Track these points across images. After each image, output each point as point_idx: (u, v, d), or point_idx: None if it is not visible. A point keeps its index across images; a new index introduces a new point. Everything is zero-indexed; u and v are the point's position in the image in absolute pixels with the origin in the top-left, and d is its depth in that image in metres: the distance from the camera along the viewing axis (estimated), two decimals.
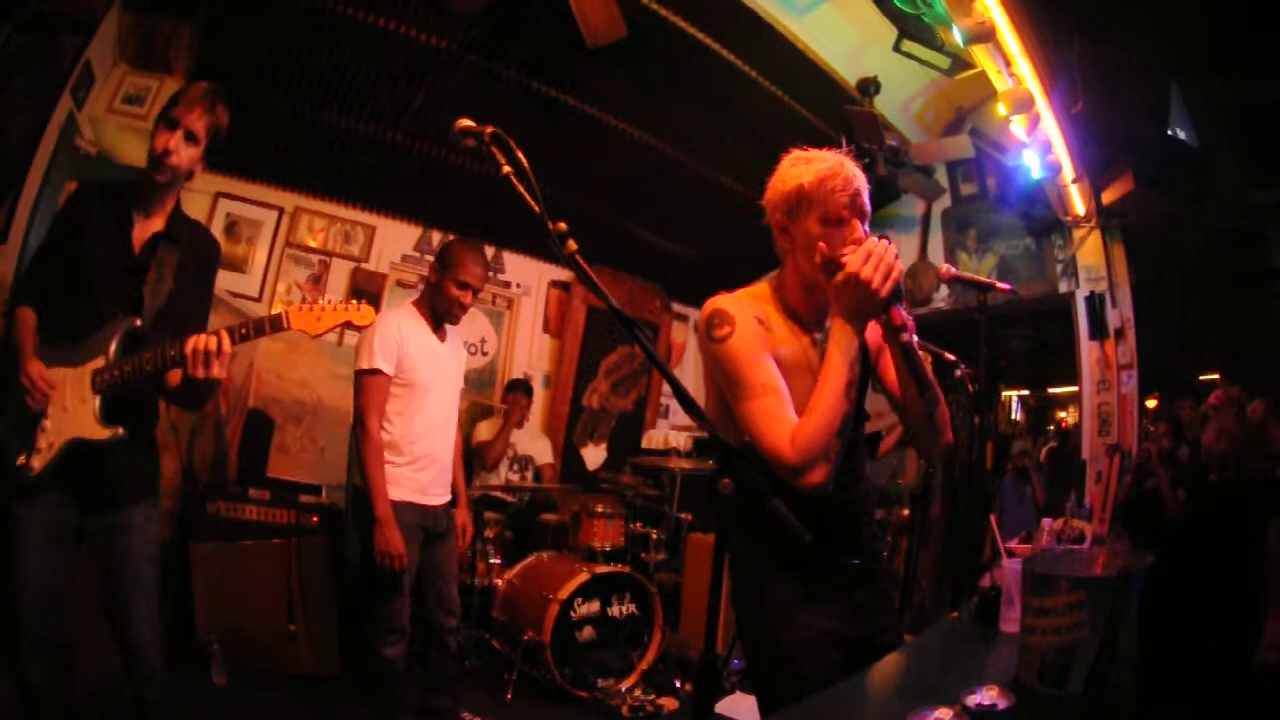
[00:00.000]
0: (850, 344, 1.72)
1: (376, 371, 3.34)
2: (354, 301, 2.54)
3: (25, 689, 2.32)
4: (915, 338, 1.87)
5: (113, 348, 2.35)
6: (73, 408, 2.34)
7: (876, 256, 1.67)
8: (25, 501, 2.33)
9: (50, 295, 2.43)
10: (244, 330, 2.35)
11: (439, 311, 3.55)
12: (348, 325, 2.51)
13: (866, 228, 1.84)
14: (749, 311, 1.85)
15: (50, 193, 3.62)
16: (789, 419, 1.72)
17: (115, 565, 2.42)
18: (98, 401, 2.34)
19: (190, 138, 2.40)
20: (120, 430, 2.36)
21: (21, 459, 2.31)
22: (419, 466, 3.44)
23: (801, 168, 1.86)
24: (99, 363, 2.34)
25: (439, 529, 3.52)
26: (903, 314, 1.76)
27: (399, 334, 3.40)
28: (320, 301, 2.50)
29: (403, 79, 4.83)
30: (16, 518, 2.32)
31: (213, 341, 2.27)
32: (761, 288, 1.97)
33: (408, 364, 3.40)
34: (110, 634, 2.45)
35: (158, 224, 2.48)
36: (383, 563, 3.24)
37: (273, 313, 2.42)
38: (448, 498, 3.62)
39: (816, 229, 1.82)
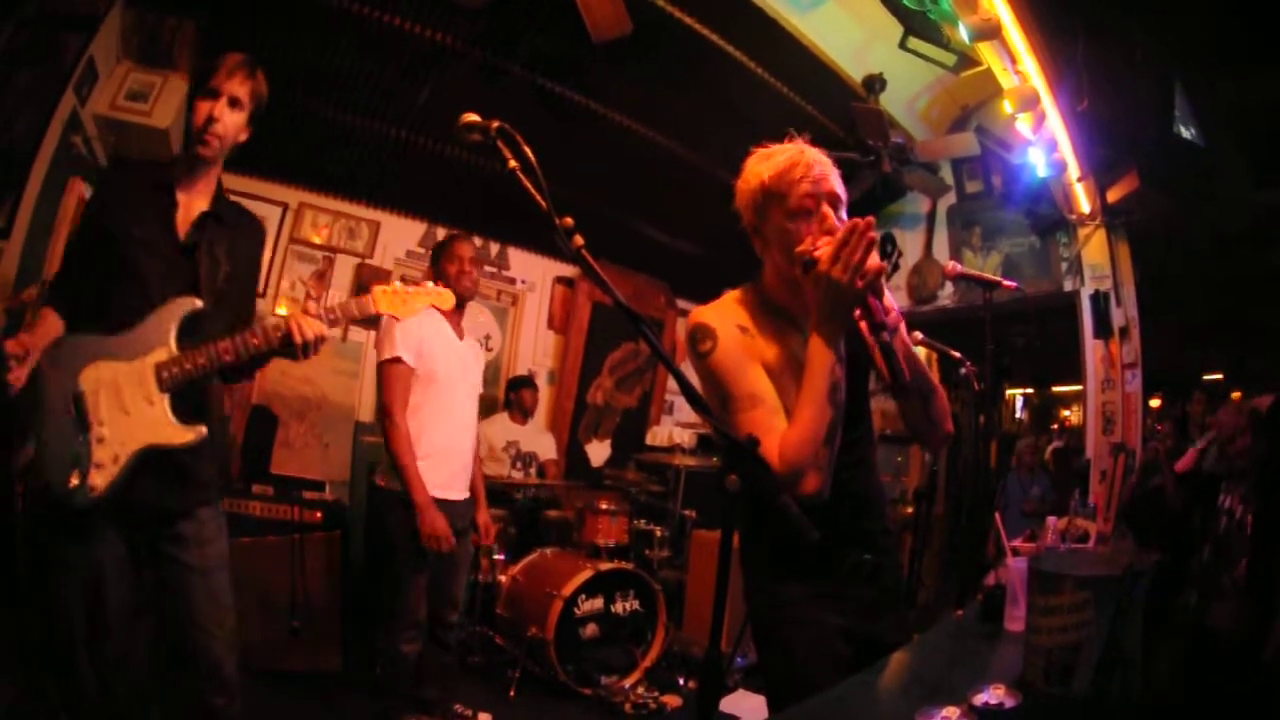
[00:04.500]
0: (827, 348, 1.64)
1: (398, 360, 3.36)
2: (437, 283, 2.59)
3: None
4: (915, 334, 1.84)
5: (173, 337, 2.13)
6: (137, 410, 2.08)
7: (849, 250, 1.57)
8: (75, 532, 2.04)
9: (89, 286, 2.19)
10: (333, 315, 2.28)
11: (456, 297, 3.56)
12: (432, 307, 2.58)
13: (843, 213, 1.76)
14: (731, 320, 1.79)
15: (54, 189, 3.62)
16: (777, 429, 1.67)
17: (188, 583, 2.20)
18: (167, 400, 2.11)
19: (234, 104, 2.24)
20: (203, 429, 2.15)
21: (74, 480, 2.01)
22: (438, 461, 3.44)
23: (762, 164, 1.81)
24: (161, 355, 2.12)
25: (458, 526, 3.51)
26: (881, 309, 1.65)
27: (419, 327, 3.41)
28: (406, 286, 2.53)
29: (407, 74, 4.82)
30: (67, 558, 2.04)
31: (319, 327, 2.21)
32: (744, 291, 1.91)
33: (428, 357, 3.43)
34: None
35: (201, 204, 2.29)
36: (429, 545, 3.26)
37: (360, 297, 2.40)
38: (467, 494, 3.63)
39: (785, 224, 1.76)
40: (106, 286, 2.15)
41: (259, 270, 2.52)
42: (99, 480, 2.01)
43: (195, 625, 2.20)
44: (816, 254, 1.63)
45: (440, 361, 3.46)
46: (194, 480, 2.23)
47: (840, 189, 1.79)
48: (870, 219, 1.59)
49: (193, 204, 2.28)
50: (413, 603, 3.38)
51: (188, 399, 2.16)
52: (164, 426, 2.10)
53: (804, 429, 1.64)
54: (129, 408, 2.07)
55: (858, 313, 1.69)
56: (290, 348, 2.21)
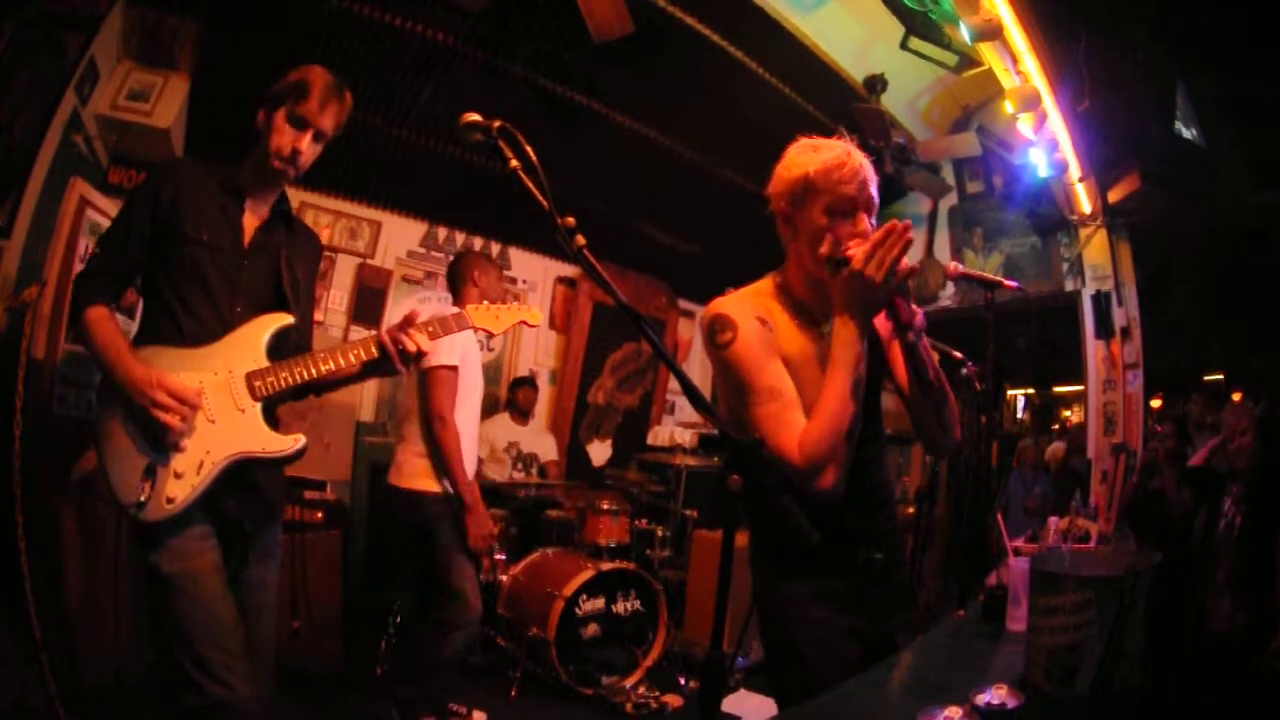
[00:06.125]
0: (854, 343, 1.66)
1: (454, 368, 3.45)
2: (527, 304, 2.55)
3: None
4: (924, 335, 1.85)
5: (264, 349, 2.08)
6: (226, 418, 1.99)
7: (883, 251, 1.60)
8: (178, 552, 1.92)
9: (149, 288, 2.11)
10: (431, 328, 2.23)
11: None
12: (522, 324, 2.54)
13: (873, 221, 1.78)
14: (750, 312, 1.80)
15: (54, 189, 3.62)
16: (796, 423, 1.68)
17: (248, 601, 2.11)
18: (259, 409, 2.04)
19: (318, 138, 2.24)
20: (302, 438, 2.09)
21: (143, 492, 1.89)
22: (466, 461, 3.55)
23: (808, 155, 1.81)
24: (251, 366, 2.05)
25: None
26: (908, 309, 1.71)
27: (465, 335, 3.46)
28: (494, 305, 2.50)
29: (408, 75, 4.82)
30: (177, 575, 1.91)
31: (422, 342, 2.14)
32: (764, 283, 1.92)
33: (467, 363, 3.53)
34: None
35: (264, 212, 2.24)
36: (478, 545, 3.44)
37: (455, 312, 2.37)
38: None
39: (821, 219, 1.76)
40: (170, 287, 2.07)
41: (315, 284, 2.44)
42: (177, 491, 1.91)
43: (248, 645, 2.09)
44: (849, 253, 1.65)
45: (471, 368, 3.59)
46: (269, 495, 2.20)
47: (876, 196, 1.81)
48: (908, 222, 1.62)
49: (258, 214, 2.24)
50: (473, 602, 3.51)
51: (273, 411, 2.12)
52: (258, 434, 2.03)
53: (827, 423, 1.65)
54: (215, 417, 1.98)
55: (883, 313, 1.71)
56: (386, 362, 2.15)
